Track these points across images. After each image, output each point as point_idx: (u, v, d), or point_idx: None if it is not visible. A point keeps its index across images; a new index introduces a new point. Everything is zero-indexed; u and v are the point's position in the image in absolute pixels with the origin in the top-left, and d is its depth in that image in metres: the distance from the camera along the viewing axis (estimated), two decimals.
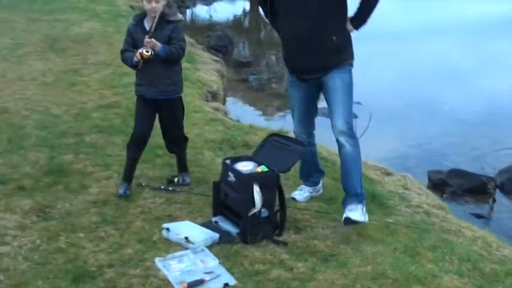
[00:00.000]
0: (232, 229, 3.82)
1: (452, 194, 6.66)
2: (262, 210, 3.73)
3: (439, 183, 6.73)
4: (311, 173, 4.57)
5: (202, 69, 9.46)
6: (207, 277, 3.28)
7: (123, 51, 4.38)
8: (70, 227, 3.92)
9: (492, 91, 10.70)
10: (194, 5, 22.73)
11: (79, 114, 6.50)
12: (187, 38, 13.43)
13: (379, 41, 12.82)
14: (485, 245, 4.18)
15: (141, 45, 4.15)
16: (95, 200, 4.35)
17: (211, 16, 21.41)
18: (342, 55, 4.01)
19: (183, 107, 4.58)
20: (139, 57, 4.10)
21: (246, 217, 3.67)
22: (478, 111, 9.64)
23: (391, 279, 3.39)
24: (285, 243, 3.72)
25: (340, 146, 4.02)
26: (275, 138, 4.13)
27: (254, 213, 3.67)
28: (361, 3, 3.93)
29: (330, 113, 4.03)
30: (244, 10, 23.78)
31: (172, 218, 4.07)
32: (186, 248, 3.62)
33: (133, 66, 4.27)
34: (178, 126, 4.59)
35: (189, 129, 6.02)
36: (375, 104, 7.27)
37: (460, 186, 6.72)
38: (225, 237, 3.75)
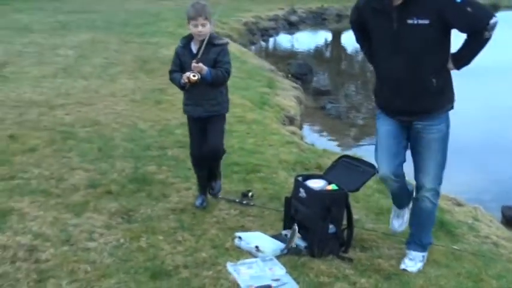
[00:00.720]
0: (300, 242, 4.01)
1: None
2: (330, 226, 3.92)
3: (510, 221, 6.62)
4: (401, 204, 4.24)
5: (282, 94, 9.77)
6: (274, 283, 3.49)
7: (170, 72, 4.50)
8: (151, 229, 4.24)
9: None
10: (277, 33, 23.26)
11: (163, 130, 6.92)
12: (269, 65, 13.89)
13: (466, 74, 12.78)
14: None
15: (188, 67, 4.25)
16: (174, 208, 4.66)
17: (293, 45, 21.86)
18: (442, 100, 3.62)
19: (225, 123, 4.65)
20: (186, 81, 4.20)
21: (314, 231, 3.86)
22: None
23: None
24: (350, 260, 3.88)
25: (422, 200, 3.81)
26: (346, 160, 4.30)
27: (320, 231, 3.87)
28: (467, 42, 3.46)
29: (416, 165, 3.75)
30: (326, 41, 24.13)
31: (245, 229, 4.31)
32: (256, 257, 3.86)
33: (181, 87, 4.37)
34: (217, 135, 4.58)
35: (265, 149, 6.36)
36: (454, 135, 7.23)
37: None
38: (293, 250, 3.95)
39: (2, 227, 4.11)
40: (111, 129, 6.81)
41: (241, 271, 3.64)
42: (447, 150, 3.74)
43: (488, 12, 3.35)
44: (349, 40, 22.35)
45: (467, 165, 8.25)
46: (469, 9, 3.30)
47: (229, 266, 3.70)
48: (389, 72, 3.64)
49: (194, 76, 4.17)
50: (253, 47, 19.06)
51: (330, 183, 4.05)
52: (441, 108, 3.64)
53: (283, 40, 22.74)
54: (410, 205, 4.16)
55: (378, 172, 3.95)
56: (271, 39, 22.27)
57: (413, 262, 3.90)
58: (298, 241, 4.03)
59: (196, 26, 4.26)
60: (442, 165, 3.72)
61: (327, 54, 22.13)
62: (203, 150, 4.62)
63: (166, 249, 3.97)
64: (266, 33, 22.15)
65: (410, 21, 3.38)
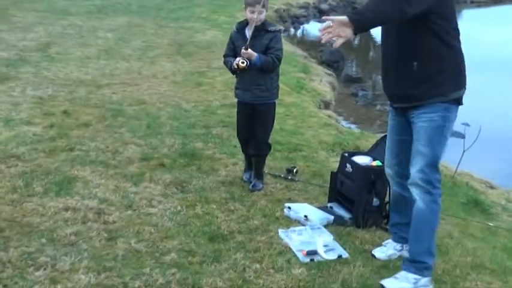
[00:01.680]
0: (345, 214, 4.31)
1: None
2: (374, 199, 4.20)
3: None
4: (402, 225, 3.78)
5: (316, 80, 10.03)
6: (323, 249, 3.78)
7: (225, 56, 4.71)
8: (204, 199, 4.56)
9: None
10: (308, 21, 23.41)
11: (206, 110, 7.22)
12: (301, 52, 14.10)
13: (495, 70, 13.10)
14: None
15: (240, 51, 4.42)
16: (224, 181, 4.97)
17: None
18: (430, 88, 3.34)
19: (273, 115, 4.78)
20: (235, 67, 4.41)
21: (359, 203, 4.15)
22: None
23: (489, 269, 3.77)
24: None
25: (414, 198, 3.47)
26: None
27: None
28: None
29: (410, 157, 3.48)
30: None
31: (292, 201, 4.60)
32: (304, 225, 4.15)
33: (232, 71, 4.57)
34: (265, 131, 4.76)
35: (305, 131, 6.65)
36: (484, 126, 7.38)
37: None
38: (338, 220, 4.24)
39: (69, 192, 4.47)
40: (157, 108, 7.14)
41: (292, 237, 3.95)
42: (441, 147, 3.39)
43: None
44: (377, 29, 22.50)
45: (497, 153, 8.45)
46: None
47: (281, 233, 4.01)
48: (383, 52, 3.58)
49: (243, 63, 4.35)
50: (284, 34, 19.26)
51: (374, 159, 4.32)
52: (433, 97, 3.34)
53: (314, 28, 22.87)
54: (401, 248, 3.80)
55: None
56: (302, 27, 22.43)
57: (397, 280, 3.46)
58: (343, 212, 4.33)
59: (253, 12, 4.40)
60: (431, 160, 3.37)
61: (356, 43, 22.23)
62: (248, 138, 4.82)
63: (221, 217, 4.28)
64: (297, 21, 22.30)
65: None
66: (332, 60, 13.93)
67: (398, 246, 3.84)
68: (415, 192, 3.43)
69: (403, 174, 3.63)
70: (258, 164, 4.89)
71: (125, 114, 6.75)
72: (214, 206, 4.46)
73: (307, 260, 3.68)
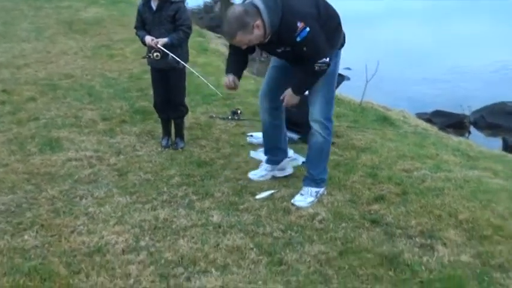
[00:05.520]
0: (294, 135, 5.41)
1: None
2: None
3: (426, 122, 8.41)
4: (271, 149, 4.63)
5: (213, 42, 10.98)
6: (289, 159, 4.86)
7: (135, 28, 4.97)
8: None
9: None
10: None
11: (131, 77, 7.90)
12: None
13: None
14: (468, 146, 5.89)
15: (149, 22, 4.77)
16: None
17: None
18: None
19: (185, 77, 5.12)
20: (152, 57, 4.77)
21: (306, 125, 5.25)
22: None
23: (409, 157, 5.08)
24: (333, 143, 5.31)
25: (313, 133, 4.20)
26: None
27: None
28: (299, 73, 3.98)
29: (309, 99, 4.13)
30: None
31: (246, 134, 5.61)
32: None
33: (144, 44, 4.86)
34: (180, 93, 5.13)
35: None
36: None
37: (443, 123, 8.59)
38: (290, 140, 5.32)
39: (62, 148, 5.16)
40: (86, 80, 7.71)
41: (262, 155, 4.97)
42: (333, 88, 4.17)
43: (320, 54, 3.80)
44: None
45: (385, 89, 10.04)
46: (304, 48, 3.77)
47: (252, 153, 5.05)
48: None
49: (157, 56, 4.73)
50: None
51: None
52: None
53: None
54: (272, 169, 4.63)
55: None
56: None
57: (303, 197, 4.23)
58: (292, 135, 5.42)
59: None
60: (327, 100, 4.13)
61: (216, 9, 23.23)
62: (165, 102, 5.15)
63: (197, 151, 5.21)
64: None
65: (278, 50, 3.95)
66: (213, 25, 14.92)
67: (269, 167, 4.65)
68: (316, 128, 4.14)
69: (277, 107, 4.39)
70: (179, 125, 5.32)
71: (61, 87, 7.28)
72: (188, 144, 5.35)
73: None
